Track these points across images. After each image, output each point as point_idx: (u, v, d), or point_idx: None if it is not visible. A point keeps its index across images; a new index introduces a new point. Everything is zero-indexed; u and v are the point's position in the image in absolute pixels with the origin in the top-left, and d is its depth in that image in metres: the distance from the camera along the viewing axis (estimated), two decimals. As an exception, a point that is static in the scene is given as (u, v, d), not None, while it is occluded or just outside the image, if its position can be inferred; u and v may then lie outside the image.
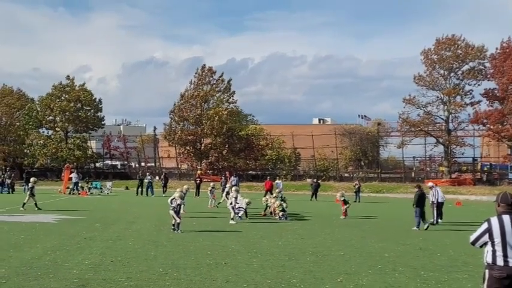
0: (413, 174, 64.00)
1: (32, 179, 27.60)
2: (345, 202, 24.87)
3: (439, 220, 23.16)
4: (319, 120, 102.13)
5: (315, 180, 43.91)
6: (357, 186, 40.89)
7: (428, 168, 66.56)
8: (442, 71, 56.66)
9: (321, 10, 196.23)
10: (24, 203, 26.10)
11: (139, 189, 43.10)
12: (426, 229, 20.30)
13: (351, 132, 69.41)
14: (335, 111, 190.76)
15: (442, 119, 57.72)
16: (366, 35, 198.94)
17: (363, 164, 68.77)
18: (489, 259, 6.24)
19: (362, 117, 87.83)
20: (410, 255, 14.03)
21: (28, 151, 65.38)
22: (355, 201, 38.09)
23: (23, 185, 43.04)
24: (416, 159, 66.98)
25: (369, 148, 68.88)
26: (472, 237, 6.53)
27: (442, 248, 15.75)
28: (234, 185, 34.40)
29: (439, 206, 23.32)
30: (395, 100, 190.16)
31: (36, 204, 26.24)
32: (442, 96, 56.75)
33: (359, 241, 16.76)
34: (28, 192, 26.82)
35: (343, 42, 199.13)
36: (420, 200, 21.10)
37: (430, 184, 25.11)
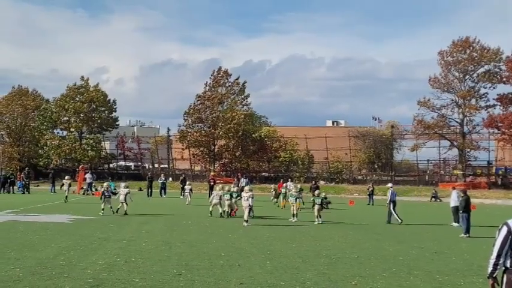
0: (427, 178, 63.55)
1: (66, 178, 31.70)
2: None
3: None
4: (333, 122, 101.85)
5: (313, 182, 43.60)
6: (370, 189, 40.72)
7: (442, 172, 66.14)
8: (457, 74, 56.28)
9: (339, 12, 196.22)
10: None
11: (150, 190, 43.25)
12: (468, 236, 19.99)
13: (365, 135, 69.09)
14: (350, 113, 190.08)
15: (457, 121, 57.34)
16: (384, 37, 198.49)
17: (376, 166, 68.40)
18: (508, 263, 6.09)
19: (375, 120, 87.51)
20: (425, 259, 13.92)
21: (43, 152, 65.70)
22: (368, 204, 38.00)
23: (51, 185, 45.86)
24: (431, 162, 66.65)
25: (383, 151, 68.50)
26: (496, 248, 6.10)
27: (457, 251, 15.63)
28: (243, 187, 34.53)
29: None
30: (412, 102, 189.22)
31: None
32: (456, 98, 56.37)
33: (373, 244, 16.67)
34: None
35: (361, 44, 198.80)
36: (467, 205, 20.88)
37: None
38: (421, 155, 62.97)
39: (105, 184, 27.11)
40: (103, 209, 24.86)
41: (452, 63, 56.11)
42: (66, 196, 32.67)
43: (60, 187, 37.74)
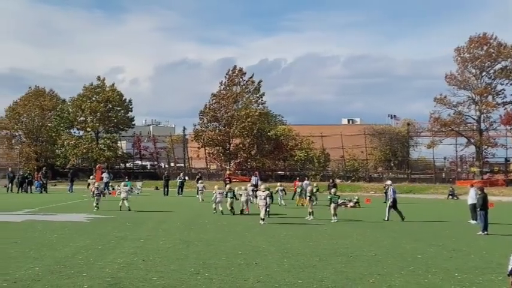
0: (443, 175, 63.16)
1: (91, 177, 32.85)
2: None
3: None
4: (349, 120, 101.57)
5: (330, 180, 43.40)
6: (386, 187, 40.44)
7: (459, 169, 65.65)
8: (474, 70, 55.87)
9: (355, 10, 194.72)
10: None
11: (166, 189, 43.44)
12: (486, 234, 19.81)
13: (381, 133, 68.81)
14: (366, 111, 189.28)
15: (474, 119, 56.92)
16: (399, 34, 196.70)
17: (392, 164, 68.10)
18: None
19: (391, 117, 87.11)
20: (443, 257, 13.84)
21: (60, 151, 66.18)
22: (385, 202, 37.75)
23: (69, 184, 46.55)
24: (447, 160, 66.14)
25: (399, 148, 68.21)
26: None
27: (475, 249, 15.52)
28: (254, 185, 34.83)
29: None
30: (428, 100, 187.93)
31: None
32: (473, 95, 55.96)
33: (390, 242, 16.60)
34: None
35: (377, 41, 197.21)
36: (485, 203, 20.73)
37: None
38: (438, 152, 62.47)
39: (122, 184, 29.76)
40: (97, 206, 26.34)
41: (469, 59, 55.71)
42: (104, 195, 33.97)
43: (87, 187, 39.13)
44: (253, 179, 37.94)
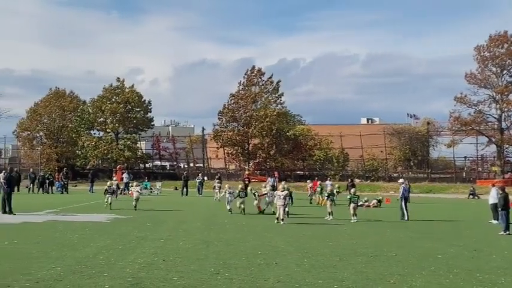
0: (464, 175, 62.67)
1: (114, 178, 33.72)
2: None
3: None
4: (368, 120, 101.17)
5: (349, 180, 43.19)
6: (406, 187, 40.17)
7: (480, 169, 65.09)
8: (494, 69, 55.40)
9: (373, 8, 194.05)
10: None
11: (185, 189, 43.54)
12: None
13: (400, 132, 68.43)
14: (385, 110, 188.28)
15: (495, 117, 56.45)
16: (418, 33, 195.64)
17: (412, 164, 67.68)
18: None
19: (411, 117, 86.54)
20: (464, 257, 13.73)
21: (80, 152, 66.74)
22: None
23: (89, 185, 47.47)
24: (468, 159, 65.61)
25: (419, 148, 67.77)
26: None
27: (497, 249, 15.37)
28: (272, 186, 34.81)
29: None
30: (448, 99, 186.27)
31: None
32: (494, 94, 55.46)
33: (410, 242, 16.51)
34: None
35: (396, 40, 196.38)
36: (506, 203, 20.56)
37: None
38: (458, 151, 62.06)
39: (135, 184, 31.39)
40: (107, 203, 27.81)
41: (489, 58, 55.26)
42: (116, 196, 34.18)
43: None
44: (270, 180, 37.90)
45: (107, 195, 28.21)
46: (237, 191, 26.60)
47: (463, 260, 13.26)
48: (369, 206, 32.55)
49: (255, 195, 27.24)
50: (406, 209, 24.74)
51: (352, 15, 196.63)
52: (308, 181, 39.11)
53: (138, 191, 28.38)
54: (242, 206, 25.70)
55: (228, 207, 26.25)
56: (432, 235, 18.65)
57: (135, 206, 27.01)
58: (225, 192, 27.30)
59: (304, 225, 21.28)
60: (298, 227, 20.42)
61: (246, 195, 26.67)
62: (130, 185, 44.80)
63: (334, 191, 28.75)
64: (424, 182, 56.62)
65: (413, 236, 18.13)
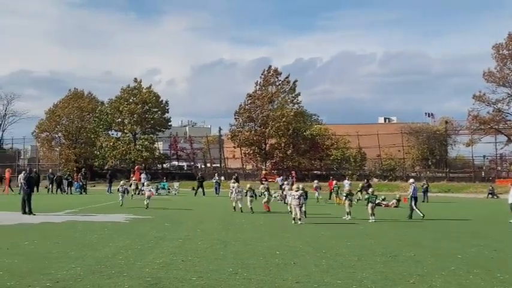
0: (483, 174, 62.09)
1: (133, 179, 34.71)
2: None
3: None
4: (385, 119, 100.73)
5: (365, 180, 42.96)
6: (424, 186, 39.97)
7: (499, 168, 64.48)
8: (513, 67, 54.86)
9: (389, 7, 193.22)
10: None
11: (201, 189, 43.62)
12: None
13: (418, 131, 68.03)
14: (402, 109, 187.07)
15: (514, 116, 55.87)
16: (436, 31, 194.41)
17: (430, 163, 67.23)
18: None
19: (428, 115, 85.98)
20: (484, 257, 13.60)
21: (98, 153, 67.18)
22: (423, 201, 37.34)
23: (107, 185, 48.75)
24: (487, 158, 65.01)
25: (437, 147, 67.27)
26: None
27: (517, 249, 15.24)
28: (281, 185, 35.06)
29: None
30: (465, 97, 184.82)
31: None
32: (513, 92, 54.95)
33: (429, 242, 16.39)
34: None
35: (413, 39, 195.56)
36: None
37: None
38: (477, 150, 61.52)
39: (146, 183, 33.08)
40: (121, 200, 29.46)
41: (508, 56, 54.75)
42: (132, 195, 35.57)
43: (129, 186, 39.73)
44: (279, 180, 37.97)
45: (119, 194, 29.90)
46: (245, 190, 27.06)
47: (483, 260, 13.14)
48: (388, 206, 32.39)
49: (264, 194, 28.16)
50: (417, 209, 24.67)
51: (368, 14, 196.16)
52: (315, 181, 38.91)
53: (149, 190, 29.43)
54: (251, 204, 26.27)
55: (238, 205, 26.70)
56: (451, 235, 18.51)
57: (147, 205, 27.94)
58: (232, 190, 27.95)
59: (322, 225, 21.24)
60: (316, 226, 20.39)
61: (254, 194, 27.25)
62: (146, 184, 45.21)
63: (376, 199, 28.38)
64: (442, 182, 56.24)
65: (432, 236, 18.01)
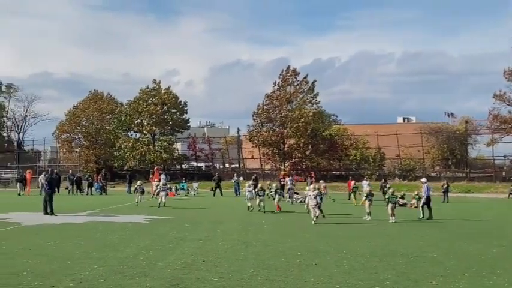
0: (504, 174, 61.41)
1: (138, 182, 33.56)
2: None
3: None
4: (404, 119, 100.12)
5: (383, 180, 42.59)
6: (445, 186, 39.68)
7: (520, 168, 63.78)
8: (535, 65, 54.17)
9: (407, 6, 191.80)
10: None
11: (218, 189, 43.69)
12: None
13: (437, 131, 67.49)
14: (421, 109, 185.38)
15: (535, 115, 55.16)
16: (454, 30, 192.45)
17: (450, 163, 66.65)
18: None
19: (448, 115, 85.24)
20: (507, 258, 13.47)
21: (118, 154, 67.56)
22: (443, 202, 37.09)
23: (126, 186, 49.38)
24: (507, 158, 64.27)
25: (457, 147, 66.66)
26: None
27: (541, 250, 15.05)
28: (290, 186, 35.10)
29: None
30: (486, 96, 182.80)
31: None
32: (535, 91, 54.29)
33: (451, 243, 16.26)
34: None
35: (431, 38, 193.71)
36: None
37: None
38: (498, 150, 60.79)
39: (161, 183, 33.48)
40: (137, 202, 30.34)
41: (529, 54, 54.13)
42: (155, 196, 35.56)
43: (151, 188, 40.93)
44: (288, 180, 37.88)
45: (137, 194, 31.10)
46: (256, 190, 27.41)
47: (507, 260, 13.00)
48: (416, 206, 31.96)
49: (274, 196, 28.57)
50: (429, 208, 24.48)
51: (386, 14, 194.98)
52: (321, 181, 38.57)
53: (164, 190, 30.94)
54: (262, 204, 26.70)
55: (249, 204, 27.35)
56: (473, 235, 18.36)
57: (159, 204, 29.45)
58: (245, 189, 28.48)
59: (342, 225, 21.18)
60: (336, 227, 20.33)
61: (264, 193, 27.54)
62: (164, 183, 45.42)
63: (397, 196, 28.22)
64: (462, 182, 55.75)
65: (453, 237, 17.87)
